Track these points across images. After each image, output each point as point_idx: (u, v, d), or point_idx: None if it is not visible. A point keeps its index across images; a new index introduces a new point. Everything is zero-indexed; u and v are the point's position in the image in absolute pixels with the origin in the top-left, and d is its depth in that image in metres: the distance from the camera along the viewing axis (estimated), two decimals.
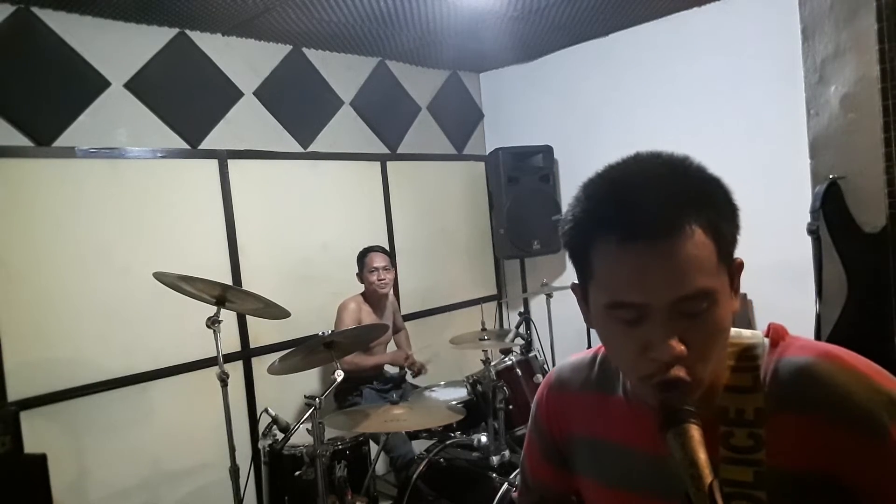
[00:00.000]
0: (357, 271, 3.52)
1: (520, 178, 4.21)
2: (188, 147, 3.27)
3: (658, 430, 0.73)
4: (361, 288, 3.52)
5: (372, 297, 3.49)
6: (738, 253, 0.78)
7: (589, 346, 4.10)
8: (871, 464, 0.72)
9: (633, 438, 0.87)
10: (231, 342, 3.30)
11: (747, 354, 0.81)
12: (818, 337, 2.33)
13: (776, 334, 0.83)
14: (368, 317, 3.45)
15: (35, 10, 2.80)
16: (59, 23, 2.87)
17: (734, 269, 0.77)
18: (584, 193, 0.78)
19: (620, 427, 0.89)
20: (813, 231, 2.43)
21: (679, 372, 0.72)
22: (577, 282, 0.83)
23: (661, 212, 0.70)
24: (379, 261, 3.46)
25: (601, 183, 0.78)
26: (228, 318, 3.09)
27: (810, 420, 0.74)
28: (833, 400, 0.73)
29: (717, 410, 0.79)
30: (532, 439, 1.06)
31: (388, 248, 3.84)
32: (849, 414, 0.72)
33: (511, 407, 2.89)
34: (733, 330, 0.80)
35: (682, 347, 0.71)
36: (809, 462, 0.74)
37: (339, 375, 2.29)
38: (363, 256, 3.49)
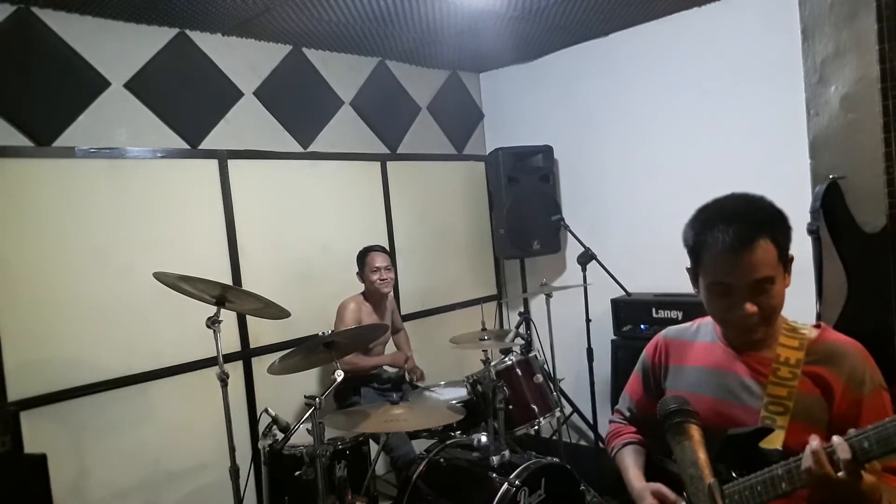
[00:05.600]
0: (357, 271, 3.52)
1: (520, 178, 4.21)
2: (188, 147, 3.27)
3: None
4: (361, 287, 3.52)
5: (373, 297, 3.49)
6: None
7: (589, 346, 4.07)
8: (849, 404, 1.25)
9: (721, 364, 1.40)
10: (231, 342, 3.30)
11: (796, 329, 1.36)
12: None
13: (825, 326, 1.38)
14: (369, 317, 3.44)
15: (35, 10, 2.80)
16: (59, 23, 2.87)
17: (788, 262, 1.31)
18: (703, 214, 1.33)
19: (713, 358, 1.42)
20: (813, 231, 2.44)
21: (756, 327, 1.29)
22: (689, 266, 1.38)
23: (745, 233, 1.24)
24: (380, 260, 3.45)
25: (714, 210, 1.33)
26: (228, 318, 3.10)
27: (833, 372, 1.28)
28: (850, 367, 1.28)
29: (774, 354, 1.31)
30: (637, 378, 1.62)
31: (388, 248, 3.83)
32: (854, 376, 1.27)
33: (511, 407, 2.89)
34: (791, 319, 1.37)
35: (755, 308, 1.25)
36: (823, 394, 1.27)
37: (339, 375, 2.28)
38: (364, 256, 3.49)
